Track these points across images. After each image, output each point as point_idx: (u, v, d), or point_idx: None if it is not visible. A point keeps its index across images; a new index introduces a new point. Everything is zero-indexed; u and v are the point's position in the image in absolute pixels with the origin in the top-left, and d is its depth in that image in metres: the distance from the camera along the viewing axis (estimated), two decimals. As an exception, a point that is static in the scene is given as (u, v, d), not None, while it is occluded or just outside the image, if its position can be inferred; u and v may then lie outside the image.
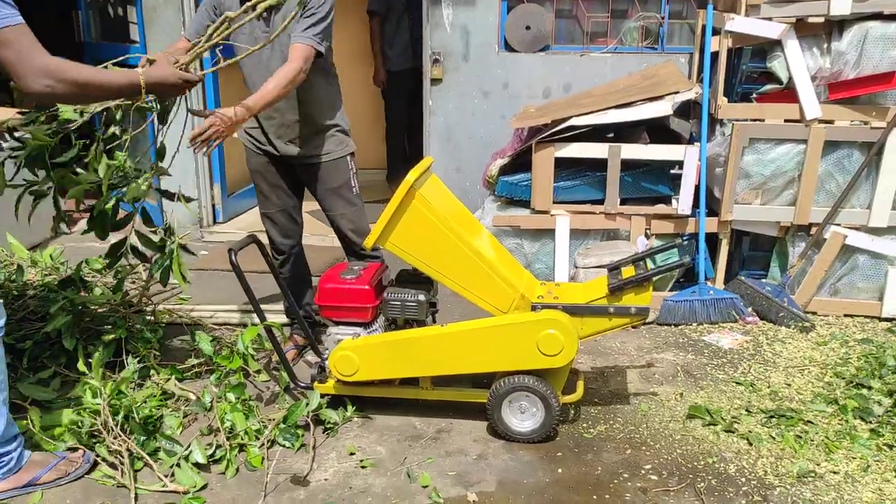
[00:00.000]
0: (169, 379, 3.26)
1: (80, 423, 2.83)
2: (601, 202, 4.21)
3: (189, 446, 2.78)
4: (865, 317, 4.11)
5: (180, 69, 2.79)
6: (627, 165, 4.14)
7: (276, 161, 3.40)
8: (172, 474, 2.70)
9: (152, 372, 3.32)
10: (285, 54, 3.07)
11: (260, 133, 3.37)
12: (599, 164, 4.15)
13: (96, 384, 2.89)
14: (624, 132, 4.19)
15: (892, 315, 4.05)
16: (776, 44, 3.95)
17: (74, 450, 2.76)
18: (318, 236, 5.18)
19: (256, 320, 3.14)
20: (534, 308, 2.91)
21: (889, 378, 3.29)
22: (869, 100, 3.91)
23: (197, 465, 2.75)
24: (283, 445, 2.90)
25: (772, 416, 3.09)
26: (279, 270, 3.54)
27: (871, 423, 3.02)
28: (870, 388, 3.25)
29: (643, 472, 2.79)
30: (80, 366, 2.89)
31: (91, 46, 5.98)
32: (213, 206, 5.63)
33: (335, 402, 3.16)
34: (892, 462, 2.79)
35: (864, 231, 4.03)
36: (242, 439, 2.88)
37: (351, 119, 3.50)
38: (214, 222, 5.66)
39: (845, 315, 4.13)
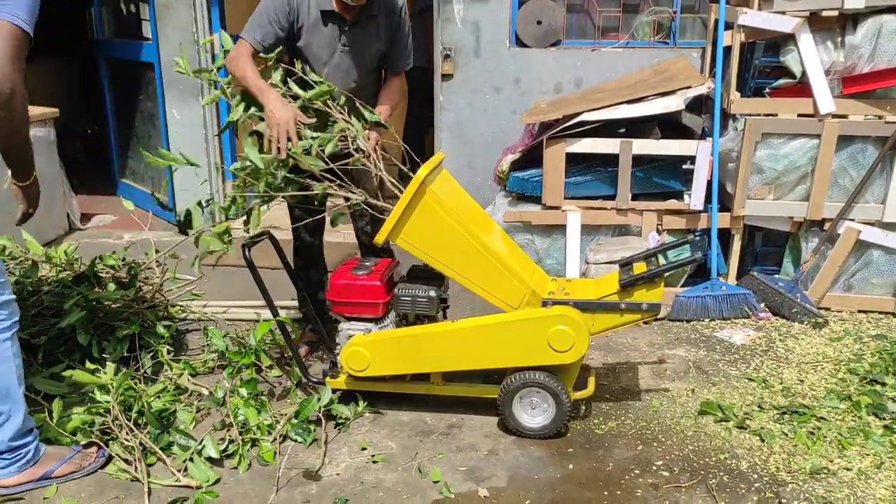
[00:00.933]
0: (182, 374, 3.28)
1: (91, 423, 2.86)
2: (612, 198, 4.20)
3: (202, 441, 2.80)
4: (880, 313, 4.08)
5: None
6: (639, 161, 4.12)
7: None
8: (185, 469, 2.72)
9: (165, 367, 3.34)
10: (360, 62, 3.22)
11: None
12: (611, 160, 4.14)
13: (107, 381, 2.91)
14: (636, 127, 4.17)
15: (906, 311, 4.03)
16: (789, 38, 3.93)
17: (91, 444, 2.79)
18: (329, 232, 5.18)
19: (269, 316, 3.16)
20: (545, 304, 2.91)
21: (902, 374, 3.28)
22: (884, 94, 3.88)
23: (210, 459, 2.77)
24: (295, 440, 2.92)
25: (784, 413, 3.08)
26: (300, 267, 3.56)
27: (884, 419, 3.00)
28: (884, 384, 3.23)
29: (654, 468, 2.78)
30: (78, 375, 2.90)
31: (104, 44, 6.02)
32: (226, 202, 5.64)
33: (347, 397, 3.17)
34: (905, 459, 2.77)
35: (878, 226, 4.00)
36: (255, 434, 2.90)
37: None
38: (227, 218, 5.66)
39: (859, 311, 4.10)
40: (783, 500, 2.58)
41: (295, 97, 3.09)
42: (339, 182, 3.03)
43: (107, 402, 2.89)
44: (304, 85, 3.16)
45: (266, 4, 3.10)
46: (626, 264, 3.04)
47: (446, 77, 5.05)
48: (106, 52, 6.01)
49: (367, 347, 2.98)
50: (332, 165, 2.99)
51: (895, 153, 3.87)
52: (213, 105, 5.35)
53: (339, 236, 5.21)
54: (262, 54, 3.16)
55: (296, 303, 3.98)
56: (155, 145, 5.67)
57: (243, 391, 3.08)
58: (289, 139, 2.96)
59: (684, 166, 4.21)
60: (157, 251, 4.10)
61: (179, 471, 2.71)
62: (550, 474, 2.75)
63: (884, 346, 3.63)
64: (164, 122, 5.39)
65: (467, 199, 3.15)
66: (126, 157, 6.24)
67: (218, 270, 4.68)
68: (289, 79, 3.14)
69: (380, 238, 2.90)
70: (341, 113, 3.11)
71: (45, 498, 2.61)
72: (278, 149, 2.96)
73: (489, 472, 2.76)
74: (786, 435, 2.95)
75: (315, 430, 2.96)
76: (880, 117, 3.88)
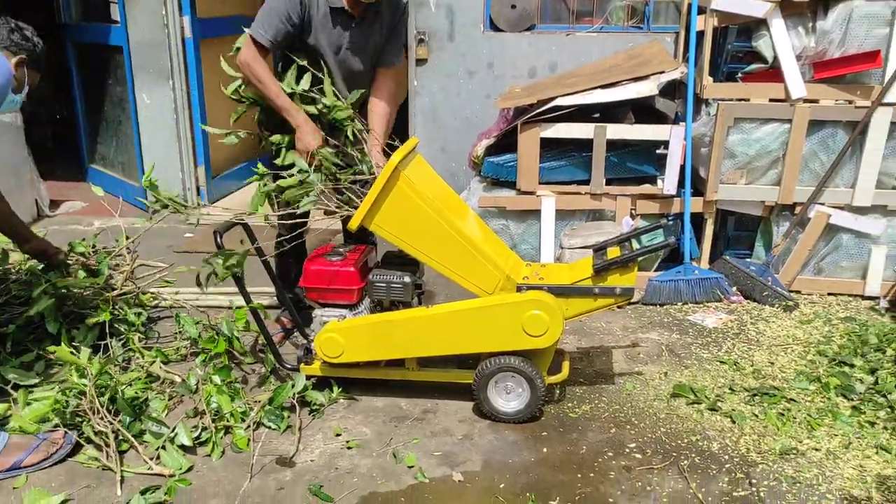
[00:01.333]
0: (154, 362, 3.25)
1: (65, 404, 2.82)
2: (587, 182, 4.21)
3: (175, 428, 2.78)
4: (849, 295, 4.14)
5: None
6: (613, 146, 4.13)
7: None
8: (158, 457, 2.70)
9: (136, 355, 3.31)
10: (363, 56, 3.26)
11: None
12: (585, 145, 4.14)
13: (83, 364, 2.87)
14: (610, 112, 4.18)
15: (875, 294, 4.09)
16: (762, 23, 3.95)
17: (56, 430, 2.75)
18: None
19: (242, 302, 3.13)
20: (519, 289, 2.91)
21: (871, 356, 3.33)
22: (853, 79, 3.91)
23: (182, 447, 2.75)
24: (269, 427, 2.91)
25: (755, 395, 3.12)
26: (283, 254, 3.55)
27: (852, 400, 3.06)
28: (852, 366, 3.29)
29: (627, 450, 2.81)
30: (61, 351, 2.87)
31: (71, 28, 5.90)
32: (198, 187, 5.59)
33: (321, 383, 3.16)
34: (873, 439, 2.82)
35: (847, 210, 4.05)
36: (228, 421, 2.88)
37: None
38: (199, 204, 5.62)
39: (829, 294, 4.16)
40: (753, 481, 2.62)
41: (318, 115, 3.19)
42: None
43: (83, 384, 2.85)
44: (314, 83, 3.19)
45: (278, 2, 3.04)
46: (599, 249, 3.05)
47: (420, 61, 5.01)
48: (73, 36, 5.89)
49: (342, 334, 2.96)
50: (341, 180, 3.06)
51: (865, 138, 3.92)
52: (184, 90, 5.28)
53: (314, 222, 5.17)
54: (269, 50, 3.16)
55: (268, 289, 3.96)
56: (125, 131, 5.60)
57: (216, 378, 3.06)
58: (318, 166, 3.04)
59: (658, 151, 4.23)
60: (127, 238, 4.04)
61: (152, 459, 2.68)
62: (525, 458, 2.76)
63: (852, 329, 3.68)
64: (134, 106, 5.31)
65: (441, 184, 3.13)
66: (95, 143, 6.14)
67: (189, 257, 4.63)
68: (301, 89, 3.17)
69: (353, 224, 2.88)
70: (363, 140, 3.18)
71: (14, 488, 2.58)
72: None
73: (464, 457, 2.77)
74: (756, 416, 2.99)
75: (289, 417, 2.95)
76: (850, 102, 3.92)
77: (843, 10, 3.79)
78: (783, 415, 2.98)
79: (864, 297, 4.11)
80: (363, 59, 3.30)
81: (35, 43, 2.89)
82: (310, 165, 3.06)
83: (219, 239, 2.92)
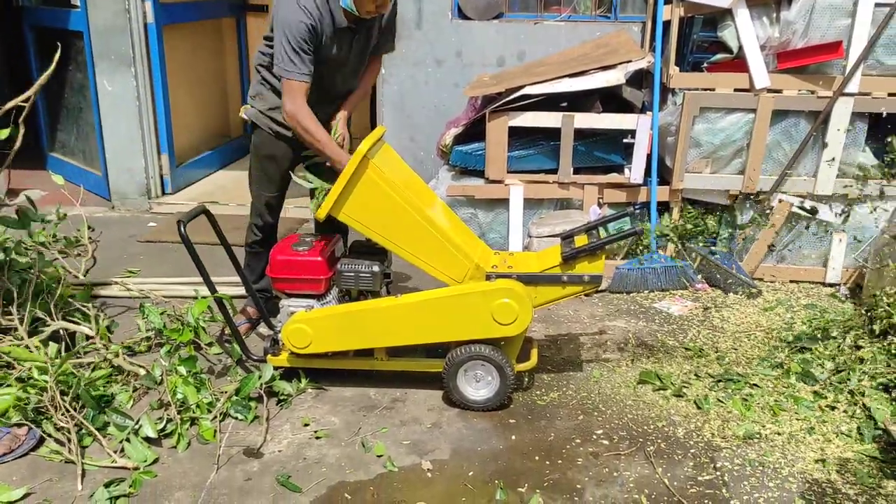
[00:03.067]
0: (118, 354, 3.19)
1: (26, 400, 2.76)
2: (555, 171, 4.22)
3: (139, 420, 2.74)
4: (810, 282, 4.22)
5: None
6: (581, 134, 4.15)
7: (298, 149, 3.29)
8: (122, 449, 2.66)
9: (99, 345, 3.24)
10: (363, 58, 3.28)
11: None
12: (553, 134, 4.15)
13: (41, 360, 2.82)
14: (577, 101, 4.19)
15: (835, 281, 4.17)
16: (727, 13, 3.98)
17: (20, 426, 2.70)
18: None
19: (207, 292, 3.09)
20: (488, 278, 2.91)
21: (831, 343, 3.39)
22: (816, 69, 3.97)
23: (147, 439, 2.71)
24: (236, 418, 2.88)
25: (719, 381, 3.17)
26: (254, 247, 3.52)
27: (814, 386, 3.11)
28: (813, 352, 3.35)
29: (595, 437, 2.83)
30: (16, 351, 2.80)
31: (29, 12, 5.75)
32: (161, 176, 5.49)
33: (289, 373, 3.14)
34: (833, 424, 2.88)
35: (809, 199, 4.11)
36: (194, 413, 2.85)
37: None
38: (163, 193, 5.53)
39: (791, 281, 4.23)
40: (718, 465, 2.66)
41: None
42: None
43: (44, 380, 2.79)
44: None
45: (292, 35, 2.90)
46: (567, 237, 3.06)
47: (388, 49, 4.97)
48: (32, 20, 5.73)
49: (309, 324, 2.94)
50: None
51: (826, 127, 3.98)
52: (147, 75, 5.18)
53: (283, 210, 5.12)
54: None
55: (233, 279, 3.91)
56: (86, 118, 5.48)
57: (182, 369, 3.02)
58: None
59: (625, 140, 4.26)
60: (89, 227, 3.96)
61: (116, 451, 2.64)
62: (493, 445, 2.77)
63: (813, 315, 3.75)
64: (95, 93, 5.19)
65: (410, 173, 3.12)
66: (56, 131, 6.00)
67: (153, 247, 4.56)
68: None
69: (321, 213, 2.86)
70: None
71: (-27, 483, 2.52)
72: None
73: (433, 445, 2.77)
74: (721, 402, 3.03)
75: (256, 408, 2.93)
76: (813, 92, 3.97)
77: (807, 1, 3.83)
78: (747, 400, 3.03)
79: (825, 285, 4.19)
80: (363, 59, 3.30)
81: None
82: None
83: (182, 228, 2.87)
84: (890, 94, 3.93)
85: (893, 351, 3.07)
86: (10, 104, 3.18)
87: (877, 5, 3.79)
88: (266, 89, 3.26)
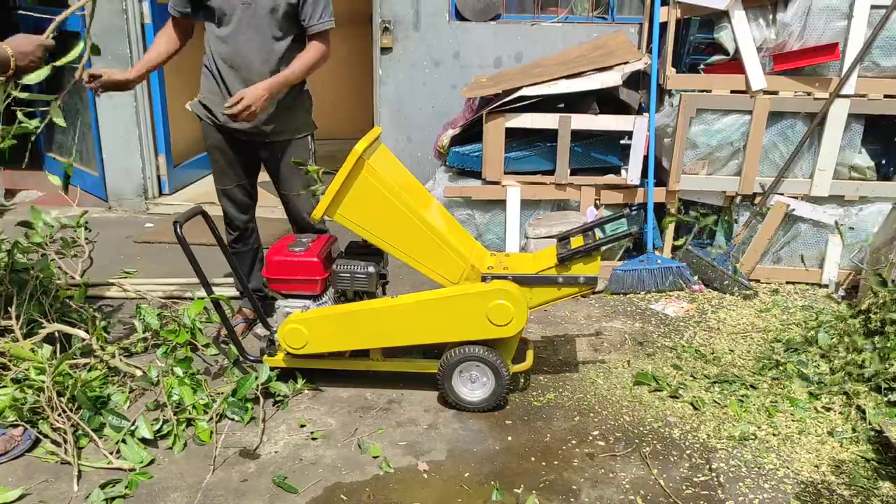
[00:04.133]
0: (115, 355, 3.19)
1: (23, 400, 2.76)
2: (552, 173, 4.23)
3: (135, 421, 2.74)
4: (806, 283, 4.22)
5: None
6: (578, 136, 4.15)
7: (235, 138, 3.30)
8: (118, 451, 2.66)
9: (95, 347, 3.24)
10: (265, 18, 3.07)
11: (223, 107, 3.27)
12: (550, 135, 4.16)
13: (39, 360, 2.81)
14: (574, 102, 4.20)
15: (831, 282, 4.17)
16: (723, 15, 3.99)
17: (15, 426, 2.70)
18: (267, 208, 5.09)
19: (203, 293, 3.09)
20: (484, 279, 2.91)
21: (826, 344, 3.40)
22: (812, 71, 3.98)
23: (144, 440, 2.71)
24: (233, 419, 2.88)
25: (715, 382, 3.17)
26: (233, 246, 3.51)
27: (809, 387, 3.12)
28: (808, 353, 3.35)
29: (591, 438, 2.84)
30: (16, 350, 2.80)
31: (26, 13, 5.74)
32: (159, 177, 5.49)
33: (285, 374, 3.14)
34: (828, 424, 2.89)
35: (806, 200, 4.12)
36: (190, 414, 2.85)
37: (323, 86, 3.40)
38: (160, 194, 5.53)
39: (787, 282, 4.24)
40: (713, 466, 2.66)
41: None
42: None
43: (41, 381, 2.79)
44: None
45: None
46: (563, 238, 3.06)
47: (385, 50, 4.98)
48: (28, 21, 5.72)
49: (305, 325, 2.94)
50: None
51: (823, 129, 3.99)
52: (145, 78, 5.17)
53: (268, 211, 5.13)
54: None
55: (230, 280, 3.92)
56: (83, 119, 5.48)
57: (178, 370, 3.02)
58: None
59: (622, 142, 4.26)
60: (86, 228, 3.95)
61: (112, 453, 2.64)
62: (489, 446, 2.78)
63: (809, 316, 3.76)
64: (92, 95, 5.18)
65: (406, 173, 3.12)
66: (52, 131, 5.99)
67: (150, 248, 4.56)
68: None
69: (317, 214, 2.86)
70: None
71: (-31, 484, 2.52)
72: None
73: (429, 446, 2.78)
74: (717, 403, 3.04)
75: (253, 409, 2.93)
76: (809, 94, 3.98)
77: (803, 3, 3.84)
78: (742, 401, 3.03)
79: (821, 286, 4.20)
80: (265, 20, 3.08)
81: None
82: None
83: (178, 229, 2.87)
84: (886, 96, 3.94)
85: (887, 352, 3.07)
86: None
87: (873, 7, 3.79)
88: (202, 77, 3.29)
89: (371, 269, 3.01)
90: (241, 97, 2.96)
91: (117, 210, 5.37)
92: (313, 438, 2.81)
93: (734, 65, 4.05)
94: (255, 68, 3.13)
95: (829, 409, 2.98)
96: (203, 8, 3.13)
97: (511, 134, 4.16)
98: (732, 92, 4.02)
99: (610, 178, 4.25)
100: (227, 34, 3.12)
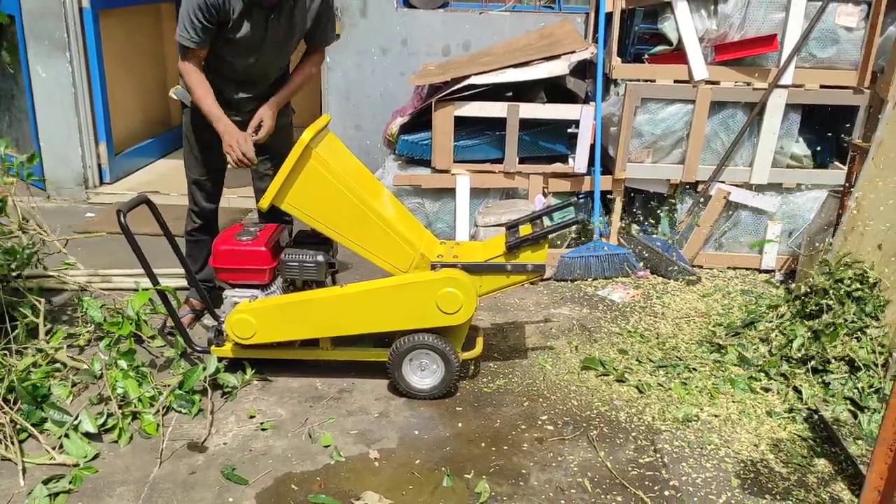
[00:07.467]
0: (60, 348, 3.11)
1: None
2: (501, 161, 4.25)
3: (78, 416, 2.68)
4: (746, 269, 4.35)
5: None
6: (526, 125, 4.18)
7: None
8: (61, 446, 2.60)
9: (37, 340, 3.16)
10: (287, 45, 3.23)
11: (220, 104, 3.21)
12: (499, 124, 4.18)
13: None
14: (523, 91, 4.23)
15: (770, 267, 4.30)
16: (667, 5, 4.06)
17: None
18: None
19: (148, 283, 3.03)
20: (433, 267, 2.93)
21: (765, 327, 3.50)
22: (752, 61, 4.08)
23: (88, 434, 2.65)
24: (180, 412, 2.84)
25: (660, 366, 3.25)
26: (195, 234, 3.48)
27: (748, 369, 3.22)
28: (748, 336, 3.45)
29: (540, 422, 2.88)
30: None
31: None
32: (99, 165, 5.35)
33: (234, 365, 3.11)
34: (766, 405, 2.99)
35: (746, 188, 4.24)
36: (136, 407, 2.80)
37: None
38: (101, 183, 5.39)
39: (728, 268, 4.36)
40: (658, 447, 2.74)
41: None
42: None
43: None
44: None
45: (192, 6, 2.94)
46: (512, 226, 3.09)
47: (333, 37, 4.93)
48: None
49: (253, 314, 2.91)
50: None
51: (762, 118, 4.10)
52: (83, 61, 5.04)
53: (225, 200, 5.05)
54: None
55: (175, 270, 3.85)
56: (19, 105, 5.29)
57: (122, 363, 2.96)
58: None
59: (569, 130, 4.31)
60: (23, 218, 3.83)
61: (55, 448, 2.58)
62: (440, 433, 2.80)
63: (749, 300, 3.87)
64: (28, 80, 5.02)
65: (355, 162, 3.11)
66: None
67: (92, 238, 4.43)
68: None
69: (264, 203, 2.83)
70: None
71: None
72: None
73: (380, 434, 2.78)
74: (661, 386, 3.11)
75: (201, 401, 2.89)
76: (749, 84, 4.09)
77: (743, -5, 3.94)
78: (686, 384, 3.12)
79: (760, 271, 4.33)
80: (286, 46, 3.24)
81: None
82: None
83: (122, 218, 2.81)
84: (822, 86, 4.07)
85: (822, 335, 3.19)
86: None
87: (809, 0, 3.91)
88: None
89: (320, 258, 3.00)
90: (260, 120, 3.18)
91: (56, 199, 5.22)
92: (263, 429, 2.79)
93: (677, 55, 4.13)
94: (259, 74, 3.25)
95: (767, 391, 3.08)
96: (226, 41, 3.09)
97: (460, 122, 4.17)
98: (676, 82, 4.10)
99: (557, 167, 4.30)
100: (250, 63, 3.17)
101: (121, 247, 3.22)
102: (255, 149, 3.16)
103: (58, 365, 3.05)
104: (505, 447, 2.73)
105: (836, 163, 4.26)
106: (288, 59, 3.33)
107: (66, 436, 2.62)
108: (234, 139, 3.07)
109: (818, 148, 4.30)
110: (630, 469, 2.62)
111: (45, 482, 2.42)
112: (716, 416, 2.92)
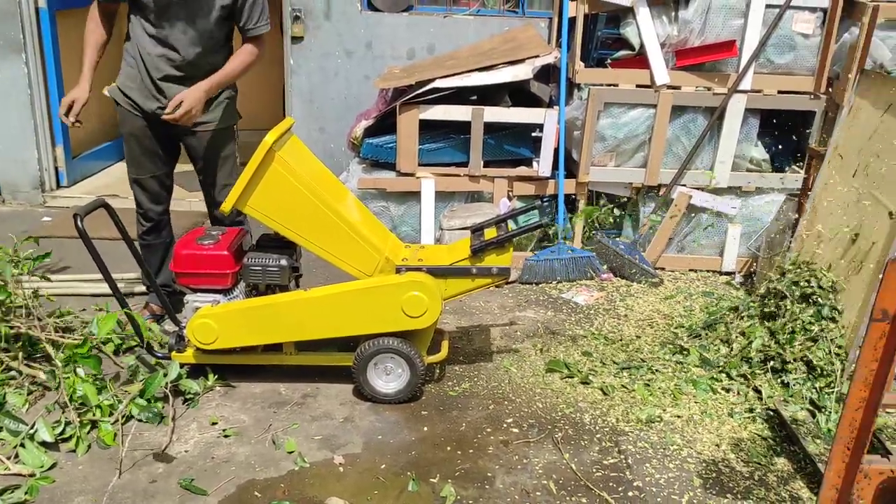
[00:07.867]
0: (17, 357, 3.03)
1: None
2: (466, 164, 4.26)
3: (34, 424, 2.61)
4: (708, 271, 4.41)
5: None
6: (491, 128, 4.20)
7: (155, 125, 3.20)
8: (16, 455, 2.53)
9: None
10: (199, 16, 3.07)
11: (147, 96, 3.16)
12: (463, 127, 4.19)
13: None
14: (487, 95, 4.24)
15: (730, 269, 4.37)
16: (629, 11, 4.11)
17: None
18: (178, 201, 4.93)
19: (106, 288, 2.97)
20: (398, 270, 2.92)
21: (726, 328, 3.56)
22: (712, 67, 4.15)
23: (44, 444, 2.59)
24: (140, 420, 2.78)
25: (624, 368, 3.28)
26: (145, 238, 3.41)
27: (710, 370, 3.26)
28: (709, 338, 3.50)
29: (505, 425, 2.89)
30: None
31: None
32: (56, 168, 5.24)
33: (196, 371, 3.06)
34: (728, 405, 3.03)
35: (706, 191, 4.30)
36: (94, 415, 2.74)
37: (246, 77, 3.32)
38: (58, 186, 5.28)
39: (690, 270, 4.41)
40: (622, 449, 2.76)
41: None
42: None
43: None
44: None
45: None
46: (477, 230, 3.10)
47: (296, 39, 4.90)
48: None
49: (216, 319, 2.87)
50: None
51: (722, 123, 4.17)
52: (39, 62, 4.93)
53: (186, 204, 5.00)
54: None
55: (132, 275, 3.79)
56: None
57: (81, 371, 2.89)
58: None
59: (533, 134, 4.33)
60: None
61: (9, 458, 2.52)
62: (405, 437, 2.79)
63: (710, 302, 3.93)
64: (-18, 81, 4.90)
65: (319, 165, 3.09)
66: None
67: (48, 243, 4.34)
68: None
69: (226, 206, 2.80)
70: None
71: None
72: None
73: (345, 439, 2.76)
74: (625, 388, 3.14)
75: (162, 408, 2.84)
76: (709, 89, 4.15)
77: (703, 1, 4.00)
78: (649, 385, 3.15)
79: (721, 273, 4.39)
80: (198, 18, 3.07)
81: None
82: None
83: (79, 222, 2.75)
84: (780, 92, 4.15)
85: (780, 336, 3.24)
86: None
87: (768, 6, 3.99)
88: (123, 63, 3.21)
89: (283, 262, 2.97)
90: (180, 101, 3.00)
91: (11, 203, 5.10)
92: (226, 436, 2.75)
93: (639, 60, 4.18)
94: (186, 61, 3.12)
95: (728, 391, 3.12)
96: (133, 2, 3.04)
97: (425, 126, 4.17)
98: (638, 86, 4.15)
99: (522, 170, 4.31)
100: (158, 27, 3.07)
101: (79, 252, 3.16)
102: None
103: (13, 373, 2.97)
104: (470, 450, 2.73)
105: (794, 167, 4.35)
106: (211, 44, 3.15)
107: (22, 445, 2.56)
108: (70, 95, 3.08)
109: (776, 151, 4.38)
110: (594, 471, 2.64)
111: (1, 493, 2.35)
112: (678, 416, 2.96)
